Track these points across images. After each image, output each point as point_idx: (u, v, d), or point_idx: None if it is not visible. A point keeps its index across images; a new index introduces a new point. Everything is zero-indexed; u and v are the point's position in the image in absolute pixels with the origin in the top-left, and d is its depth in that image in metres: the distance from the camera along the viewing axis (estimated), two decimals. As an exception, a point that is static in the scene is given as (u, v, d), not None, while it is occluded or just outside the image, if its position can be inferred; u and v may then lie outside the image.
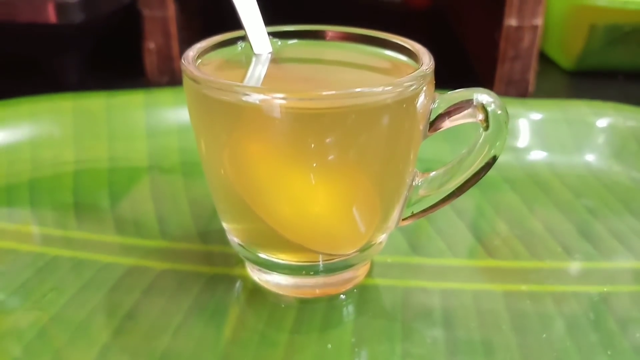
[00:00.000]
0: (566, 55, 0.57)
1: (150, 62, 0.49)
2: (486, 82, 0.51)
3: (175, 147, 0.38)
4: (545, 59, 0.60)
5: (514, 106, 0.40)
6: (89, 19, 0.43)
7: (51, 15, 0.40)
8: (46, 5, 0.40)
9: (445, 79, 0.49)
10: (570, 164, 0.37)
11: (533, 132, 0.39)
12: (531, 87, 0.49)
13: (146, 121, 0.38)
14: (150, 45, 0.49)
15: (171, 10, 0.48)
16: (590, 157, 0.38)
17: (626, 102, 0.42)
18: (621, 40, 0.54)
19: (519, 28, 0.47)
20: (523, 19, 0.47)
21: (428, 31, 0.72)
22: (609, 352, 0.23)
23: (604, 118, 0.39)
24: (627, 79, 0.55)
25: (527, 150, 0.38)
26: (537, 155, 0.38)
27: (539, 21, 0.47)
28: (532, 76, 0.49)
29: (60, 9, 0.40)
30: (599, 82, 0.55)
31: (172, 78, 0.49)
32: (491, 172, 0.35)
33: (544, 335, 0.24)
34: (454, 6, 0.68)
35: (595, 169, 0.37)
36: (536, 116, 0.40)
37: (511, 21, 0.47)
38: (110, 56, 0.55)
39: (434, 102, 0.23)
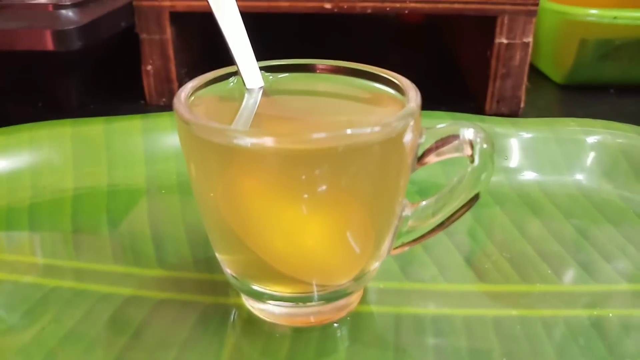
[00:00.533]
0: (558, 70, 0.58)
1: (149, 84, 0.50)
2: (478, 99, 0.52)
3: (173, 172, 0.38)
4: (537, 73, 0.61)
5: (504, 126, 0.40)
6: (87, 45, 0.43)
7: (49, 43, 0.41)
8: (44, 33, 0.41)
9: (438, 95, 0.50)
10: (561, 184, 0.38)
11: (523, 151, 0.40)
12: (522, 103, 0.50)
13: (144, 146, 0.39)
14: (148, 67, 0.50)
15: (168, 33, 0.48)
16: (580, 176, 0.38)
17: (618, 116, 0.42)
18: (612, 54, 0.55)
19: (509, 45, 0.48)
20: (514, 36, 0.48)
21: (422, 46, 0.72)
22: (597, 377, 0.24)
23: (594, 136, 0.40)
24: (619, 92, 0.56)
25: (517, 170, 0.39)
26: (528, 175, 0.39)
27: (529, 39, 0.48)
28: (523, 93, 0.50)
29: (58, 36, 0.41)
30: (590, 96, 0.56)
31: (170, 100, 0.50)
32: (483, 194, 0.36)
33: (534, 361, 0.24)
34: (448, 22, 0.69)
35: (585, 188, 0.38)
36: (526, 135, 0.40)
37: (502, 39, 0.48)
38: (110, 79, 0.56)
39: (421, 137, 0.23)
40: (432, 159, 0.23)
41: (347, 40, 0.70)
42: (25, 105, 0.49)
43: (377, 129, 0.21)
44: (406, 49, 0.71)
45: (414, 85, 0.24)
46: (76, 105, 0.49)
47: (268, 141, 0.20)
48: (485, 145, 0.23)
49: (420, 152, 0.23)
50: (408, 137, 0.22)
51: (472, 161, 0.23)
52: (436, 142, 0.23)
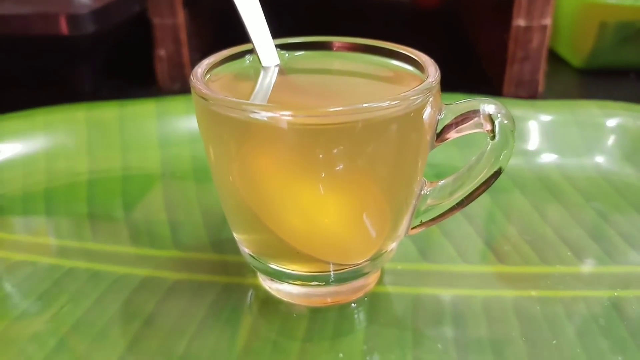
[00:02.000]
0: (577, 54, 0.57)
1: (162, 69, 0.50)
2: (496, 83, 0.51)
3: (187, 155, 0.38)
4: (555, 58, 0.60)
5: (523, 108, 0.40)
6: (100, 30, 0.43)
7: (63, 28, 0.41)
8: (58, 18, 0.41)
9: (455, 80, 0.49)
10: (581, 167, 0.37)
11: (543, 134, 0.39)
12: (541, 88, 0.49)
13: (158, 130, 0.39)
14: (161, 52, 0.49)
15: (181, 17, 0.48)
16: (600, 159, 0.38)
17: (638, 100, 0.41)
18: (632, 37, 0.54)
19: (527, 28, 0.47)
20: (532, 19, 0.47)
21: (438, 31, 0.72)
22: (619, 358, 0.23)
23: (615, 119, 0.39)
24: (639, 76, 0.55)
25: (536, 153, 0.38)
26: (547, 158, 0.38)
27: (547, 21, 0.47)
28: (541, 77, 0.49)
29: (72, 21, 0.41)
30: (610, 80, 0.55)
31: (183, 85, 0.50)
32: (501, 176, 0.36)
33: (554, 341, 0.24)
34: (464, 6, 0.68)
35: (605, 171, 0.37)
36: (546, 118, 0.39)
37: (520, 21, 0.47)
38: (123, 64, 0.56)
39: (440, 113, 0.23)
40: (452, 135, 0.23)
41: (361, 26, 0.69)
42: (39, 91, 0.49)
43: (395, 103, 0.20)
44: (422, 34, 0.70)
45: (433, 61, 0.24)
46: (89, 91, 0.49)
47: (285, 115, 0.20)
48: (506, 121, 0.22)
49: (439, 129, 0.23)
50: (427, 113, 0.22)
51: (493, 137, 0.22)
52: (455, 117, 0.23)
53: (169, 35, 0.49)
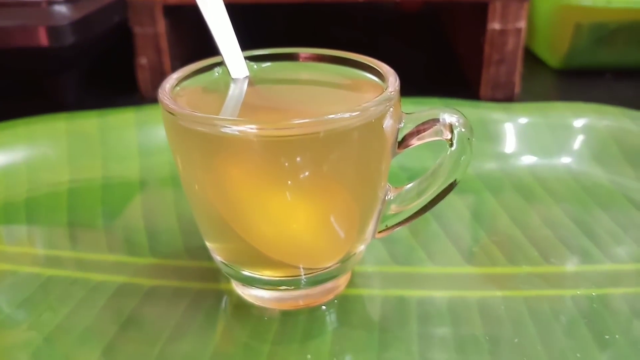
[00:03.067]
0: (553, 54, 0.58)
1: (143, 77, 0.51)
2: (474, 86, 0.52)
3: (166, 163, 0.39)
4: (532, 58, 0.61)
5: (496, 111, 0.41)
6: (81, 40, 0.44)
7: (43, 39, 0.42)
8: (37, 30, 0.41)
9: (434, 83, 0.50)
10: (552, 168, 0.38)
11: (515, 136, 0.40)
12: (517, 89, 0.50)
13: (138, 139, 0.40)
14: (143, 61, 0.50)
15: (161, 26, 0.49)
16: (570, 161, 0.39)
17: (614, 100, 0.42)
18: (607, 38, 0.55)
19: (502, 32, 0.48)
20: (507, 22, 0.48)
21: (419, 34, 0.73)
22: (578, 355, 0.24)
23: (584, 120, 0.40)
24: (615, 77, 0.56)
25: (508, 155, 0.39)
26: (519, 160, 0.39)
27: (522, 24, 0.48)
28: (517, 78, 0.50)
29: (52, 32, 0.42)
30: (586, 80, 0.56)
31: (165, 93, 0.50)
32: (473, 178, 0.36)
33: (516, 340, 0.25)
34: (444, 10, 0.69)
35: (575, 172, 0.38)
36: (518, 121, 0.40)
37: (495, 25, 0.48)
38: (105, 74, 0.56)
39: (400, 122, 0.24)
40: (413, 142, 0.24)
41: (343, 29, 0.70)
42: (22, 102, 0.50)
43: (355, 114, 0.21)
44: (403, 37, 0.71)
45: (393, 72, 0.25)
46: (72, 101, 0.50)
47: (251, 129, 0.21)
48: (463, 130, 0.23)
49: (400, 137, 0.24)
50: (387, 122, 0.23)
51: (451, 145, 0.23)
52: (417, 126, 0.24)
53: (150, 44, 0.49)
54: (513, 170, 0.38)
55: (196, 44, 0.57)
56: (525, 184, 0.37)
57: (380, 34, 0.72)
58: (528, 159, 0.39)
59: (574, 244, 0.31)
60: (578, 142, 0.39)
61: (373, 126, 0.22)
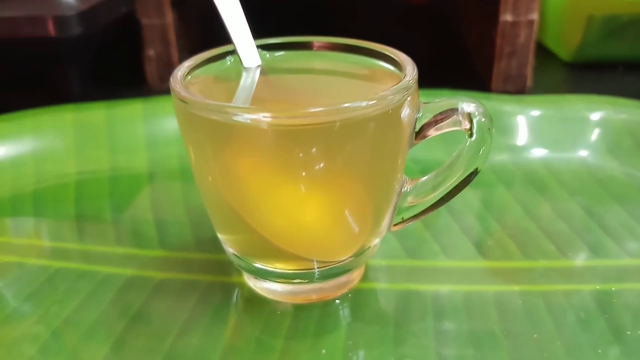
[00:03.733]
0: (565, 47, 0.57)
1: (151, 69, 0.50)
2: (484, 79, 0.51)
3: (174, 155, 0.38)
4: (544, 51, 0.60)
5: (510, 103, 0.40)
6: (88, 31, 0.43)
7: (50, 30, 0.41)
8: (45, 20, 0.41)
9: (443, 76, 0.49)
10: (566, 161, 0.38)
11: (528, 129, 0.39)
12: (529, 82, 0.49)
13: (145, 130, 0.39)
14: (150, 53, 0.50)
15: (169, 17, 0.48)
16: (585, 154, 0.38)
17: (626, 94, 0.42)
18: (620, 31, 0.54)
19: (514, 23, 0.48)
20: (519, 14, 0.47)
21: (428, 27, 0.72)
22: (599, 351, 0.23)
23: (598, 112, 0.39)
24: (627, 70, 0.55)
25: (522, 148, 0.39)
26: (532, 153, 0.38)
27: (534, 16, 0.47)
28: (529, 71, 0.49)
29: (59, 23, 0.41)
30: (598, 73, 0.55)
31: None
32: (486, 171, 0.36)
33: (535, 335, 0.24)
34: (453, 2, 0.68)
35: (590, 165, 0.37)
36: (531, 113, 0.40)
37: (507, 17, 0.47)
38: (112, 65, 0.56)
39: (418, 111, 0.23)
40: (431, 133, 0.23)
41: (351, 22, 0.69)
42: (28, 94, 0.49)
43: (372, 102, 0.21)
44: (412, 30, 0.71)
45: (411, 60, 0.24)
46: (79, 93, 0.49)
47: (264, 117, 0.20)
48: (483, 119, 0.22)
49: (418, 127, 0.23)
50: (405, 111, 0.22)
51: (471, 135, 0.23)
52: (434, 116, 0.23)
53: (157, 36, 0.49)
54: (526, 163, 0.37)
55: (204, 35, 0.56)
56: (539, 177, 0.36)
57: (389, 25, 0.72)
58: (542, 152, 0.38)
59: (590, 237, 0.30)
60: (592, 134, 0.39)
61: (390, 116, 0.22)
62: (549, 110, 0.40)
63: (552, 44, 0.60)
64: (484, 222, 0.32)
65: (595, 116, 0.39)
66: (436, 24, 0.72)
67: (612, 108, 0.39)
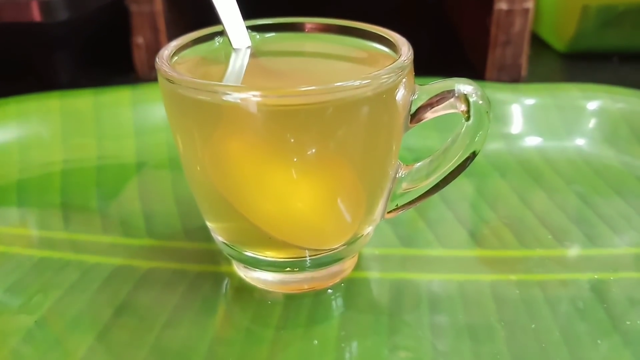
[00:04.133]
0: (559, 38, 0.57)
1: (140, 57, 0.49)
2: (479, 68, 0.50)
3: (163, 143, 0.37)
4: (538, 42, 0.59)
5: (504, 92, 0.40)
6: (74, 16, 0.42)
7: (35, 14, 0.40)
8: (29, 4, 0.40)
9: (437, 64, 0.49)
10: (562, 150, 0.37)
11: (524, 117, 0.39)
12: (524, 72, 0.49)
13: (134, 118, 0.38)
14: (139, 40, 0.48)
15: (158, 5, 0.47)
16: (581, 142, 0.38)
17: (621, 84, 0.41)
18: (615, 21, 0.53)
19: (509, 12, 0.47)
20: (514, 2, 0.47)
21: (419, 15, 0.71)
22: (598, 341, 0.23)
23: (595, 101, 0.39)
24: (622, 60, 0.54)
25: (517, 136, 0.38)
26: (528, 141, 0.38)
27: (529, 4, 0.47)
28: (524, 61, 0.49)
29: (44, 7, 0.40)
30: (593, 64, 0.54)
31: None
32: (481, 160, 0.35)
33: (533, 325, 0.23)
34: (447, -9, 0.67)
35: (586, 154, 0.37)
36: (527, 101, 0.39)
37: (502, 5, 0.47)
38: (100, 52, 0.55)
39: (414, 93, 0.22)
40: (427, 116, 0.23)
41: (344, 10, 0.68)
42: (13, 81, 0.48)
43: (366, 82, 0.20)
44: (403, 19, 0.70)
45: (406, 41, 0.23)
46: (65, 81, 0.48)
47: (254, 96, 0.19)
48: (481, 102, 0.22)
49: (413, 109, 0.22)
50: (400, 93, 0.21)
51: (468, 118, 0.22)
52: (430, 98, 0.22)
53: (146, 23, 0.48)
54: (522, 152, 0.37)
55: (194, 23, 0.55)
56: (535, 166, 0.35)
57: (380, 14, 0.71)
58: (538, 141, 0.38)
59: (587, 226, 0.30)
60: (589, 123, 0.38)
61: (385, 97, 0.21)
62: (545, 99, 0.39)
63: (546, 34, 0.59)
64: (478, 211, 0.31)
65: (591, 105, 0.39)
66: (428, 13, 0.71)
67: (608, 96, 0.39)
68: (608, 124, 0.38)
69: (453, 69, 0.52)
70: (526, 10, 0.47)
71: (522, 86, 0.40)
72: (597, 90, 0.39)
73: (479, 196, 0.33)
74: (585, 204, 0.32)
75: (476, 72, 0.51)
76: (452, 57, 0.57)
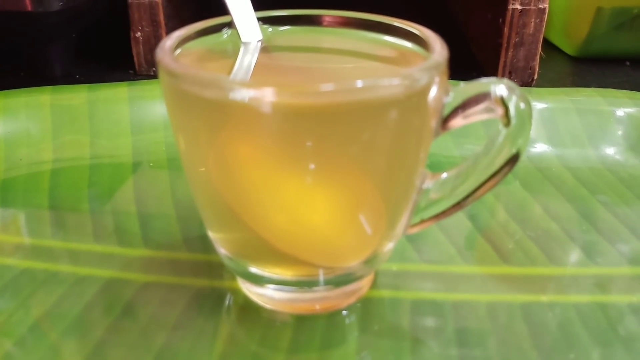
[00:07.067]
0: (570, 41, 0.55)
1: (138, 52, 0.47)
2: (488, 70, 0.49)
3: (162, 142, 0.35)
4: (547, 45, 0.58)
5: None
6: (68, 6, 0.40)
7: (26, 3, 0.38)
8: (20, -8, 0.37)
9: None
10: (583, 157, 0.35)
11: (541, 123, 0.37)
12: (536, 75, 0.47)
13: (130, 116, 0.36)
14: (137, 34, 0.46)
15: (158, -3, 0.45)
16: (604, 150, 0.36)
17: (634, 89, 0.40)
18: (628, 24, 0.52)
19: (524, 12, 0.45)
20: (529, 2, 0.45)
21: (425, 15, 0.69)
22: (642, 372, 0.21)
23: (619, 108, 0.37)
24: (635, 65, 0.53)
25: (535, 142, 0.36)
26: (547, 148, 0.36)
27: (545, 4, 0.45)
28: (537, 63, 0.47)
29: (35, -4, 0.38)
30: (604, 68, 0.53)
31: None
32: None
33: (572, 355, 0.21)
34: (453, -11, 0.66)
35: (610, 162, 0.35)
36: (544, 106, 0.37)
37: (516, 4, 0.45)
38: (97, 46, 0.52)
39: (447, 95, 0.20)
40: (458, 122, 0.20)
41: (349, 8, 0.66)
42: (7, 74, 0.46)
43: (396, 82, 0.18)
44: (408, 17, 0.68)
45: (439, 38, 0.21)
46: (58, 75, 0.46)
47: (267, 94, 0.17)
48: (522, 105, 0.19)
49: (446, 113, 0.20)
50: (433, 94, 0.19)
51: (507, 123, 0.20)
52: (462, 102, 0.20)
53: (145, 16, 0.46)
54: (541, 160, 0.35)
55: (195, 17, 0.53)
56: (555, 174, 0.34)
57: (384, 14, 0.69)
58: (556, 148, 0.36)
59: (619, 240, 0.28)
60: (612, 130, 0.36)
61: (417, 99, 0.18)
62: (564, 103, 0.38)
63: (556, 38, 0.58)
64: (501, 223, 0.29)
65: (615, 111, 0.37)
66: (433, 13, 0.69)
67: (632, 102, 0.37)
68: (632, 131, 0.36)
69: (460, 72, 0.50)
70: (542, 10, 0.45)
71: (539, 90, 0.39)
72: (619, 96, 0.38)
73: (501, 205, 0.31)
74: (614, 216, 0.30)
75: (485, 75, 0.49)
76: (458, 57, 0.54)
